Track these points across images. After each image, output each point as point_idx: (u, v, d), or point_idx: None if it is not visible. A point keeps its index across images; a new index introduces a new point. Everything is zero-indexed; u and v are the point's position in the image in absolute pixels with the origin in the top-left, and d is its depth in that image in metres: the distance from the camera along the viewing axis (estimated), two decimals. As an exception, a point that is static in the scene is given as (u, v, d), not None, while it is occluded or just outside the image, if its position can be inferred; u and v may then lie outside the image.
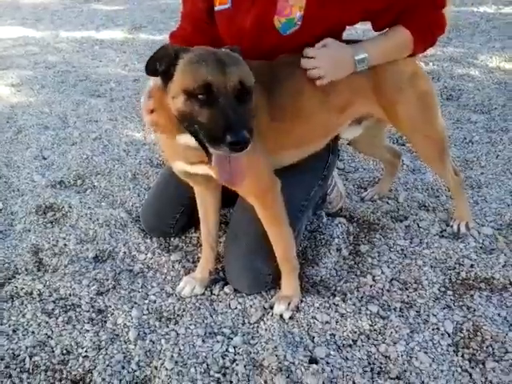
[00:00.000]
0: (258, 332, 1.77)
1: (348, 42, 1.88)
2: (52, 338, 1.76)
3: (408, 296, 1.90)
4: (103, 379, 1.59)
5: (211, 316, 1.84)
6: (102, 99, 4.09)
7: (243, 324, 1.81)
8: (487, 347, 1.66)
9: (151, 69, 1.46)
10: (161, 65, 1.45)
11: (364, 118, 2.03)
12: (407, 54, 1.89)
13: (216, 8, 1.91)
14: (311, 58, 1.79)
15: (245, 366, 1.61)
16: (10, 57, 5.34)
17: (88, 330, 1.79)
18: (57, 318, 1.85)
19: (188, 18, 2.03)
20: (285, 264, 1.85)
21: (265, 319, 1.81)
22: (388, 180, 2.56)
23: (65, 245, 2.27)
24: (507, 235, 2.18)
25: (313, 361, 1.64)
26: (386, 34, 1.88)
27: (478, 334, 1.70)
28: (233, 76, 1.39)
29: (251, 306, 1.87)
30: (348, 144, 2.64)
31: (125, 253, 2.20)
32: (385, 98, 1.91)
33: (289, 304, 1.82)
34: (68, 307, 1.91)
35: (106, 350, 1.71)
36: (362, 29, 5.27)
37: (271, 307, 1.85)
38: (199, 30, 1.98)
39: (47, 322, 1.83)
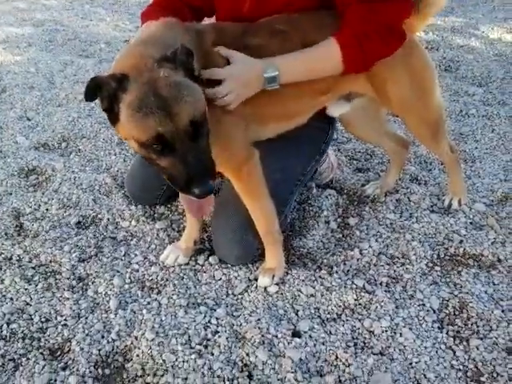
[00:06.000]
0: (241, 304, 1.74)
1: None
2: (31, 306, 1.72)
3: (395, 271, 1.87)
4: (82, 349, 1.56)
5: (195, 286, 1.81)
6: (90, 60, 3.96)
7: (227, 295, 1.78)
8: (472, 325, 1.64)
9: (91, 98, 1.30)
10: (102, 100, 1.31)
11: (354, 95, 1.90)
12: (336, 73, 1.68)
13: None
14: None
15: (227, 338, 1.58)
16: (-4, 13, 5.15)
17: (68, 298, 1.75)
18: (36, 285, 1.81)
19: None
20: (267, 236, 1.80)
21: (249, 291, 1.78)
22: (394, 173, 2.29)
23: (47, 209, 2.21)
24: (498, 211, 2.14)
25: (296, 334, 1.61)
26: (311, 48, 1.64)
27: (464, 311, 1.68)
28: (182, 118, 1.26)
29: (236, 278, 1.84)
30: (344, 129, 2.55)
31: (108, 219, 2.15)
32: (374, 74, 1.75)
33: (273, 277, 1.79)
34: (48, 274, 1.87)
35: (86, 318, 1.67)
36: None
37: (256, 279, 1.82)
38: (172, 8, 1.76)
39: (26, 289, 1.79)
